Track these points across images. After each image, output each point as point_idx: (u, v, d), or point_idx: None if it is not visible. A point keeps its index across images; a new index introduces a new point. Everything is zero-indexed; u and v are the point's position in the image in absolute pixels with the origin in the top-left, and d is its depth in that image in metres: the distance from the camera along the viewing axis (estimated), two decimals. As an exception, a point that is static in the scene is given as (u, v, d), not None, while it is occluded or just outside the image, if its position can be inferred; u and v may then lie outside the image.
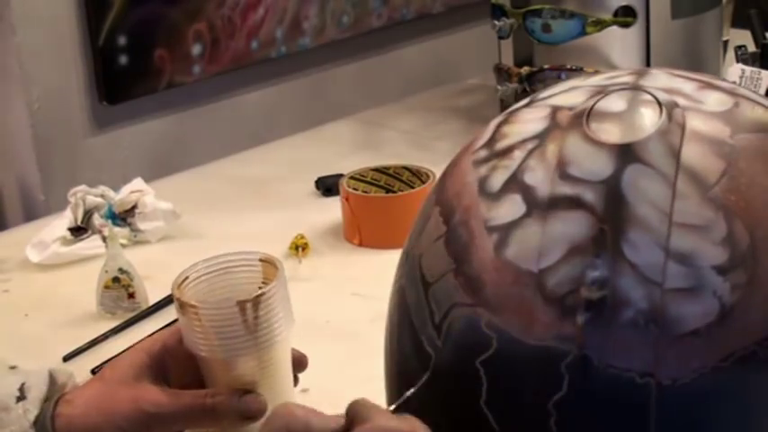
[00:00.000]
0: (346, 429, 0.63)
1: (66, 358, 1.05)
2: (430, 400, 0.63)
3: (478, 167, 0.65)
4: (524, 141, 0.64)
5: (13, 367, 1.04)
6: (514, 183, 0.62)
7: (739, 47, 1.42)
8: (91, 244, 1.24)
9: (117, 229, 1.22)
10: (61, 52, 1.59)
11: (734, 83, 1.34)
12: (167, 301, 1.14)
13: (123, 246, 1.19)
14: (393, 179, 1.27)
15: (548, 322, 0.58)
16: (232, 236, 1.25)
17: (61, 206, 1.29)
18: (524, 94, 1.41)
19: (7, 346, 1.08)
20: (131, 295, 1.12)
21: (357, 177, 1.26)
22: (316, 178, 1.39)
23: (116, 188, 1.29)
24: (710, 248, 0.57)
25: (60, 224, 1.26)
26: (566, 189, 0.60)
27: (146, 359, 0.82)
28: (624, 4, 1.34)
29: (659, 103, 0.63)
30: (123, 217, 1.27)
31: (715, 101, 0.64)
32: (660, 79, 0.66)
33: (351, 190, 1.23)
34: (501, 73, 1.44)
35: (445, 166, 0.72)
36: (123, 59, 1.61)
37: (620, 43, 1.35)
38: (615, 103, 0.64)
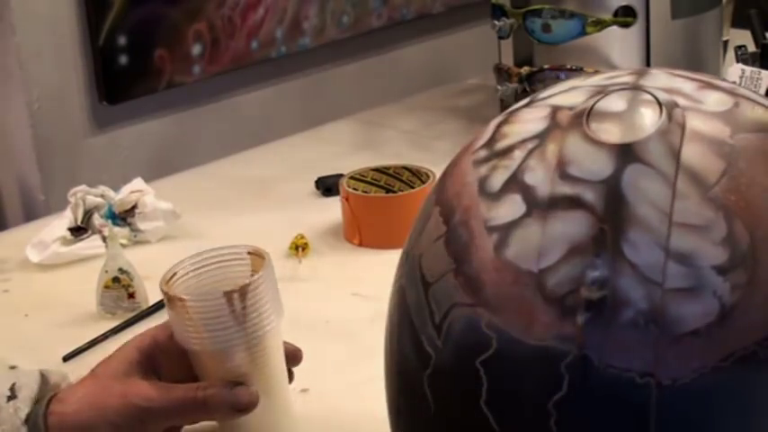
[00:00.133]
0: None
1: (66, 358, 1.05)
2: (431, 401, 0.63)
3: (478, 167, 0.65)
4: (524, 141, 0.64)
5: (12, 367, 1.04)
6: (514, 183, 0.62)
7: (739, 47, 1.42)
8: (91, 244, 1.24)
9: (117, 229, 1.22)
10: (61, 52, 1.59)
11: (734, 83, 1.34)
12: (167, 301, 1.14)
13: (123, 246, 1.19)
14: (393, 179, 1.27)
15: (548, 322, 0.58)
16: (232, 236, 1.24)
17: (61, 206, 1.29)
18: (524, 94, 1.41)
19: (7, 346, 1.08)
20: (131, 295, 1.12)
21: (357, 177, 1.26)
22: (316, 178, 1.39)
23: (116, 188, 1.29)
24: (710, 248, 0.58)
25: (60, 224, 1.26)
26: (566, 189, 0.60)
27: (136, 355, 0.82)
28: (624, 4, 1.34)
29: (659, 103, 0.63)
30: (123, 217, 1.27)
31: (715, 101, 0.64)
32: (660, 79, 0.66)
33: (351, 190, 1.23)
34: (501, 73, 1.44)
35: (445, 166, 0.72)
36: (123, 59, 1.61)
37: (620, 43, 1.35)
38: (615, 102, 0.64)
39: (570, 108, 0.65)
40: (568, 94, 0.67)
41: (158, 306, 1.14)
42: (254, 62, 1.77)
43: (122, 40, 1.61)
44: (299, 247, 1.19)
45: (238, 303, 0.81)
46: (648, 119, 0.62)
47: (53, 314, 1.14)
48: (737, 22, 1.56)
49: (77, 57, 1.60)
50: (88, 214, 1.26)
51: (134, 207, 1.27)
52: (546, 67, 1.38)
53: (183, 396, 0.81)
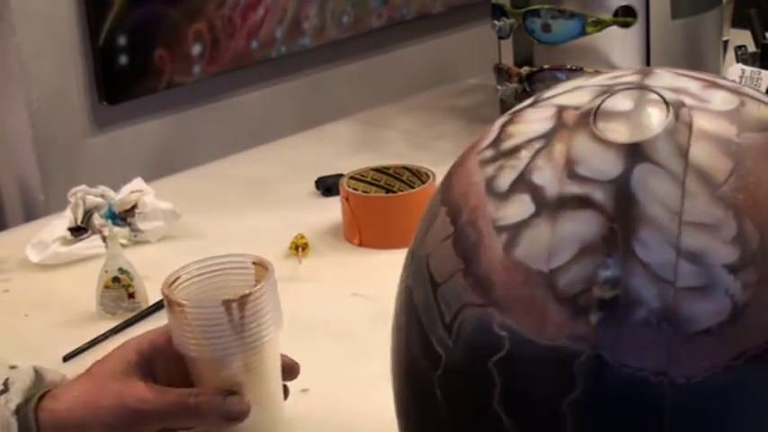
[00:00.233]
0: None
1: (66, 358, 1.05)
2: (441, 401, 0.63)
3: (485, 167, 0.65)
4: (531, 141, 0.64)
5: (12, 367, 1.04)
6: (522, 182, 0.62)
7: (739, 47, 1.42)
8: (91, 244, 1.24)
9: (117, 229, 1.22)
10: (61, 52, 1.59)
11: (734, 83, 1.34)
12: (167, 301, 1.14)
13: (123, 246, 1.19)
14: (393, 179, 1.27)
15: (560, 322, 0.58)
16: (232, 236, 1.25)
17: (61, 206, 1.29)
18: (524, 94, 1.41)
19: (7, 346, 1.08)
20: (131, 295, 1.12)
21: (357, 177, 1.26)
22: (316, 178, 1.39)
23: (116, 188, 1.29)
24: (721, 247, 0.58)
25: (60, 224, 1.26)
26: (574, 188, 0.60)
27: (134, 356, 0.82)
28: (624, 4, 1.34)
29: (666, 103, 0.63)
30: (123, 217, 1.27)
31: (721, 100, 0.64)
32: (665, 78, 0.66)
33: (351, 190, 1.23)
34: (501, 73, 1.44)
35: (446, 166, 0.72)
36: (123, 59, 1.61)
37: (620, 43, 1.35)
38: (622, 102, 0.64)
39: (576, 108, 0.65)
40: (573, 93, 0.67)
41: (158, 306, 1.14)
42: (254, 62, 1.77)
43: (122, 40, 1.61)
44: (299, 247, 1.19)
45: (237, 313, 0.81)
46: (656, 118, 0.62)
47: (53, 314, 1.14)
48: (737, 22, 1.56)
49: (77, 57, 1.60)
50: (88, 214, 1.26)
51: (134, 207, 1.27)
52: (546, 67, 1.38)
53: (176, 400, 0.81)
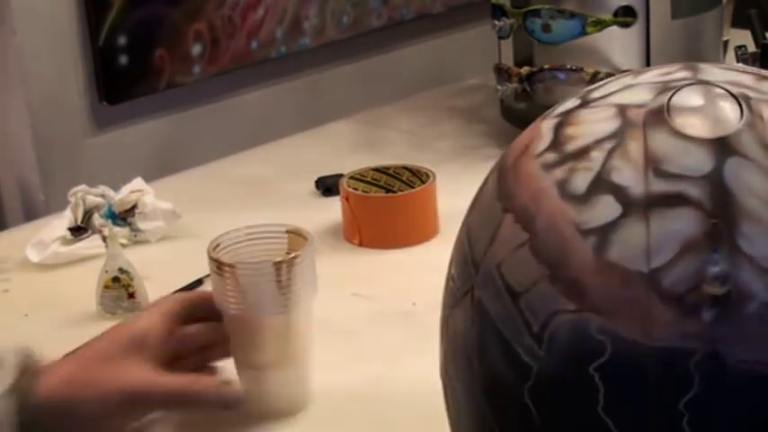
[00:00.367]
0: None
1: (66, 358, 1.05)
2: (535, 413, 0.62)
3: (551, 171, 0.64)
4: (599, 142, 0.64)
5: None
6: (601, 184, 0.62)
7: (739, 47, 1.42)
8: (91, 244, 1.24)
9: (117, 229, 1.22)
10: (61, 52, 1.59)
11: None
12: (167, 301, 1.14)
13: (123, 246, 1.19)
14: (393, 179, 1.27)
15: (668, 322, 0.58)
16: (232, 236, 1.25)
17: (61, 206, 1.29)
18: (524, 94, 1.41)
19: (7, 347, 1.08)
20: (131, 295, 1.12)
21: (357, 177, 1.26)
22: (316, 178, 1.39)
23: (116, 188, 1.29)
24: None
25: (60, 224, 1.26)
26: (664, 186, 0.60)
27: (132, 337, 0.85)
28: (624, 4, 1.34)
29: (734, 97, 0.63)
30: (123, 217, 1.27)
31: None
32: (716, 73, 0.66)
33: (351, 190, 1.23)
34: (501, 73, 1.44)
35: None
36: (123, 59, 1.61)
37: (620, 43, 1.35)
38: (690, 98, 0.64)
39: (639, 106, 0.64)
40: (628, 92, 0.66)
41: (158, 306, 1.14)
42: (254, 62, 1.77)
43: (122, 40, 1.61)
44: (299, 247, 1.19)
45: (285, 274, 0.87)
46: (731, 112, 0.62)
47: (53, 314, 1.14)
48: (737, 22, 1.56)
49: (77, 57, 1.60)
50: (88, 214, 1.26)
51: (134, 207, 1.27)
52: (546, 67, 1.38)
53: (179, 383, 0.82)
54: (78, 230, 1.25)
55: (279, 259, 0.88)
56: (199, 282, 1.16)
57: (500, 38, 1.44)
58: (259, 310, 0.88)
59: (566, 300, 0.60)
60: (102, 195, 1.27)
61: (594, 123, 0.65)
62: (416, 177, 1.25)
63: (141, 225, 1.27)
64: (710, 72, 0.66)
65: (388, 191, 1.26)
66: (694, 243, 0.59)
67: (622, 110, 0.65)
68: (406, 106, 1.66)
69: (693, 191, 0.59)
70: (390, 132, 1.56)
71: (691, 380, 0.58)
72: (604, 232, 0.60)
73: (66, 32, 1.59)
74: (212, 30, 1.70)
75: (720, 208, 0.59)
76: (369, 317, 1.07)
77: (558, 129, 0.67)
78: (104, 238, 1.13)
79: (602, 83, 0.70)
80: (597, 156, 0.63)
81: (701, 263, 0.58)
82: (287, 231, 0.92)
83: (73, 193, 1.27)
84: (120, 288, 1.11)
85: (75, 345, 1.06)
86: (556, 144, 0.66)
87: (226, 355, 0.91)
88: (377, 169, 1.27)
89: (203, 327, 0.91)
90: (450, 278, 0.70)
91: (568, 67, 1.36)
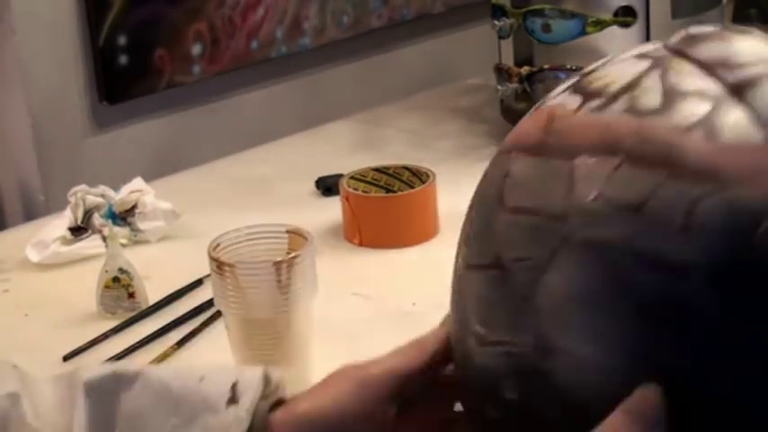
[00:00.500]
0: None
1: (66, 358, 1.05)
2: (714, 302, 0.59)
3: (606, 109, 0.64)
4: (640, 76, 0.64)
5: (13, 367, 1.04)
6: (673, 94, 0.62)
7: (739, 47, 1.42)
8: (91, 244, 1.24)
9: (117, 229, 1.22)
10: (61, 52, 1.59)
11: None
12: (167, 301, 1.14)
13: (123, 246, 1.19)
14: (393, 179, 1.27)
15: None
16: (232, 236, 1.25)
17: (61, 206, 1.29)
18: (524, 94, 1.41)
19: (7, 346, 1.08)
20: (131, 295, 1.12)
21: (357, 177, 1.26)
22: (316, 178, 1.39)
23: (116, 188, 1.29)
24: None
25: (60, 224, 1.26)
26: (738, 75, 0.61)
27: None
28: (624, 4, 1.34)
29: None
30: (123, 217, 1.27)
31: None
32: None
33: (351, 190, 1.23)
34: (501, 73, 1.44)
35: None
36: (123, 59, 1.61)
37: (620, 43, 1.35)
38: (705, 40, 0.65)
39: (661, 46, 0.65)
40: (620, 64, 0.67)
41: (158, 306, 1.14)
42: (254, 62, 1.77)
43: (122, 40, 1.61)
44: (299, 247, 1.19)
45: (285, 273, 0.87)
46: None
47: (53, 314, 1.14)
48: (737, 22, 1.56)
49: (77, 57, 1.60)
50: (88, 214, 1.26)
51: (134, 207, 1.27)
52: (546, 67, 1.38)
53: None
54: (78, 230, 1.25)
55: (279, 259, 0.88)
56: (199, 282, 1.16)
57: (500, 38, 1.44)
58: (259, 310, 0.88)
59: (701, 186, 0.59)
60: (102, 195, 1.27)
61: (625, 66, 0.65)
62: (416, 177, 1.25)
63: (141, 225, 1.27)
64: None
65: (388, 191, 1.26)
66: None
67: (641, 56, 0.65)
68: (406, 106, 1.66)
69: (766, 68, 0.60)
70: (390, 132, 1.56)
71: None
72: (707, 121, 0.60)
73: (66, 32, 1.59)
74: (212, 30, 1.70)
75: None
76: (369, 317, 1.07)
77: (582, 85, 0.67)
78: (104, 238, 1.13)
79: (581, 72, 0.70)
80: (648, 82, 0.63)
81: None
82: (287, 231, 0.92)
83: (73, 193, 1.27)
84: (120, 288, 1.11)
85: (75, 345, 1.06)
86: (594, 92, 0.65)
87: None
88: (377, 169, 1.27)
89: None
90: (507, 265, 0.65)
91: (568, 67, 1.36)
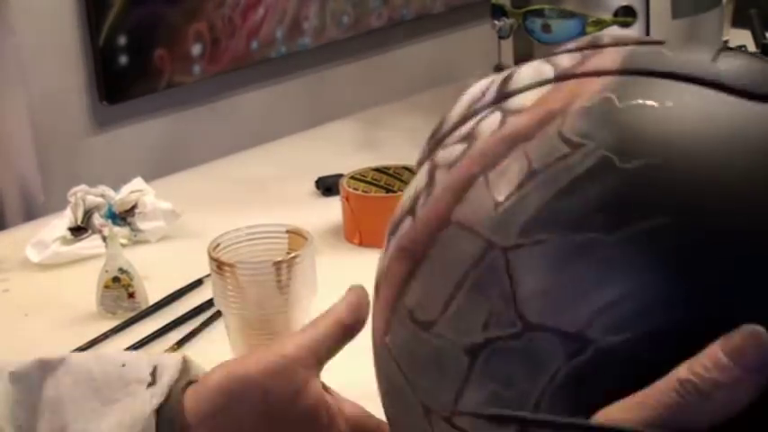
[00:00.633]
0: None
1: (66, 358, 1.05)
2: None
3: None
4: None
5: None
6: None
7: (739, 47, 1.42)
8: (91, 244, 1.24)
9: (117, 229, 1.22)
10: (61, 52, 1.59)
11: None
12: (167, 301, 1.14)
13: (123, 246, 1.19)
14: (393, 179, 1.27)
15: None
16: (232, 236, 1.25)
17: (61, 206, 1.29)
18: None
19: (7, 346, 1.08)
20: (131, 295, 1.12)
21: (357, 177, 1.26)
22: (316, 178, 1.39)
23: (116, 188, 1.29)
24: None
25: (60, 224, 1.26)
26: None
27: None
28: (624, 4, 1.34)
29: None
30: (123, 217, 1.27)
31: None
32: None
33: (351, 190, 1.23)
34: (501, 73, 1.44)
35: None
36: (123, 59, 1.61)
37: (620, 43, 1.35)
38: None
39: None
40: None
41: (158, 306, 1.14)
42: (254, 62, 1.77)
43: (122, 40, 1.61)
44: (299, 247, 1.19)
45: (285, 273, 0.88)
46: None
47: (53, 314, 1.14)
48: (737, 22, 1.56)
49: (77, 57, 1.60)
50: (88, 214, 1.26)
51: (134, 207, 1.27)
52: (546, 67, 1.38)
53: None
54: (78, 230, 1.25)
55: (279, 259, 0.88)
56: (199, 282, 1.16)
57: (500, 38, 1.44)
58: (259, 310, 0.88)
59: None
60: (102, 195, 1.27)
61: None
62: (416, 177, 1.25)
63: (141, 225, 1.27)
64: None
65: (388, 191, 1.26)
66: None
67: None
68: (406, 106, 1.66)
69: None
70: (390, 132, 1.56)
71: None
72: None
73: (67, 32, 1.59)
74: (212, 30, 1.70)
75: None
76: (368, 317, 1.06)
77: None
78: (104, 238, 1.13)
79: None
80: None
81: None
82: (287, 231, 0.93)
83: (73, 193, 1.27)
84: (120, 288, 1.11)
85: (75, 345, 1.06)
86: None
87: None
88: (377, 169, 1.27)
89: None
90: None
91: (568, 67, 1.36)
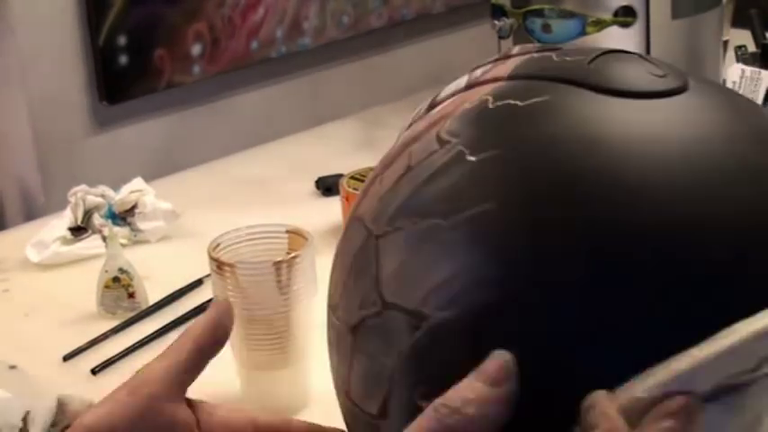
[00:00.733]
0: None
1: (66, 358, 1.05)
2: None
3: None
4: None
5: (12, 367, 1.04)
6: None
7: (739, 47, 1.42)
8: (91, 244, 1.24)
9: (117, 229, 1.22)
10: (61, 52, 1.59)
11: (734, 82, 1.34)
12: (167, 301, 1.14)
13: (123, 246, 1.19)
14: (393, 179, 1.27)
15: None
16: (232, 236, 1.25)
17: (61, 206, 1.29)
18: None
19: (7, 346, 1.08)
20: (131, 295, 1.12)
21: (357, 177, 1.26)
22: (316, 178, 1.39)
23: (116, 188, 1.29)
24: None
25: (60, 224, 1.26)
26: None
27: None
28: (624, 4, 1.34)
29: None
30: (123, 217, 1.27)
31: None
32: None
33: (351, 190, 1.23)
34: (501, 73, 1.44)
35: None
36: (123, 59, 1.61)
37: (620, 43, 1.35)
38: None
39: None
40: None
41: (158, 306, 1.14)
42: (254, 62, 1.77)
43: (122, 40, 1.61)
44: (299, 247, 1.19)
45: (285, 273, 0.87)
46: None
47: (53, 314, 1.14)
48: (737, 22, 1.56)
49: (77, 57, 1.60)
50: (88, 214, 1.26)
51: (134, 207, 1.27)
52: (546, 67, 1.38)
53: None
54: (78, 230, 1.25)
55: (279, 259, 0.88)
56: (199, 282, 1.16)
57: (500, 38, 1.44)
58: (259, 310, 0.88)
59: None
60: (102, 195, 1.28)
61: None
62: (416, 177, 1.25)
63: (141, 225, 1.27)
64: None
65: (388, 191, 1.26)
66: None
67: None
68: (406, 106, 1.66)
69: None
70: (390, 132, 1.56)
71: None
72: None
73: (67, 32, 1.59)
74: (212, 30, 1.70)
75: None
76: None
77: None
78: (104, 238, 1.13)
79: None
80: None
81: None
82: (287, 231, 0.93)
83: (73, 193, 1.27)
84: (120, 288, 1.11)
85: (75, 345, 1.06)
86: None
87: None
88: (377, 169, 1.27)
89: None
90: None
91: (568, 67, 1.36)
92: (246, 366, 0.92)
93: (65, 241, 1.24)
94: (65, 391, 0.73)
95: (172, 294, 1.15)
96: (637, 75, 0.60)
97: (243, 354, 0.92)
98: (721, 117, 0.60)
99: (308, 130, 1.62)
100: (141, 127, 1.69)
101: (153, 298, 1.14)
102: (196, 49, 1.69)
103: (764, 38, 1.44)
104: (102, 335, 1.08)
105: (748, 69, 1.33)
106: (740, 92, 1.33)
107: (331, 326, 0.66)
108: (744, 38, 1.46)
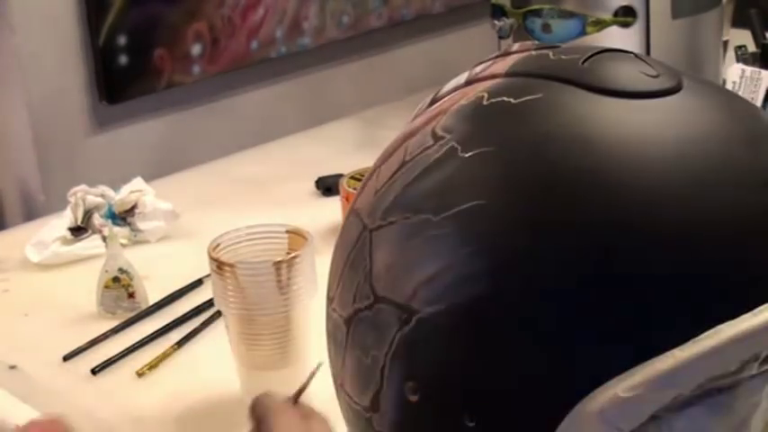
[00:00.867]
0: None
1: (66, 358, 1.05)
2: None
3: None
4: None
5: (12, 367, 1.04)
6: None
7: (739, 47, 1.42)
8: (91, 244, 1.24)
9: (117, 229, 1.22)
10: (61, 52, 1.58)
11: (734, 82, 1.34)
12: (167, 301, 1.14)
13: (123, 246, 1.19)
14: (393, 179, 1.27)
15: None
16: (232, 236, 1.25)
17: (61, 206, 1.29)
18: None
19: (7, 346, 1.08)
20: (131, 295, 1.12)
21: (357, 177, 1.26)
22: (316, 178, 1.39)
23: (116, 188, 1.29)
24: None
25: (60, 224, 1.26)
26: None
27: None
28: (624, 4, 1.34)
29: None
30: (123, 217, 1.27)
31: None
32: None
33: (351, 190, 1.23)
34: (501, 73, 1.44)
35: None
36: (123, 59, 1.61)
37: (620, 43, 1.35)
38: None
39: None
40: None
41: (158, 306, 1.14)
42: (254, 62, 1.77)
43: (122, 40, 1.61)
44: (299, 247, 1.19)
45: (285, 273, 0.87)
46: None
47: (53, 314, 1.14)
48: (737, 22, 1.56)
49: (77, 57, 1.60)
50: (88, 214, 1.26)
51: (134, 207, 1.27)
52: (546, 66, 1.38)
53: None
54: (78, 230, 1.25)
55: (279, 259, 0.88)
56: (199, 282, 1.16)
57: (500, 38, 1.44)
58: (259, 309, 0.88)
59: None
60: (102, 195, 1.28)
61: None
62: (416, 177, 1.25)
63: (141, 225, 1.27)
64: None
65: (388, 191, 1.26)
66: None
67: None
68: (406, 106, 1.66)
69: None
70: (391, 132, 1.55)
71: None
72: None
73: (67, 32, 1.59)
74: (212, 30, 1.70)
75: None
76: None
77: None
78: (104, 238, 1.13)
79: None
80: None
81: None
82: (287, 231, 0.93)
83: (73, 193, 1.27)
84: (120, 288, 1.11)
85: (75, 345, 1.06)
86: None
87: None
88: (377, 169, 1.27)
89: None
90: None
91: (568, 66, 1.36)
92: (246, 366, 0.92)
93: (65, 241, 1.24)
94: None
95: (172, 294, 1.15)
96: (630, 75, 0.61)
97: (243, 353, 0.92)
98: (714, 117, 0.60)
99: (307, 130, 1.62)
100: (141, 127, 1.69)
101: (153, 298, 1.14)
102: (196, 49, 1.69)
103: (764, 38, 1.44)
104: (102, 335, 1.08)
105: (748, 69, 1.33)
106: (740, 92, 1.33)
107: (328, 317, 0.67)
108: (744, 38, 1.46)
